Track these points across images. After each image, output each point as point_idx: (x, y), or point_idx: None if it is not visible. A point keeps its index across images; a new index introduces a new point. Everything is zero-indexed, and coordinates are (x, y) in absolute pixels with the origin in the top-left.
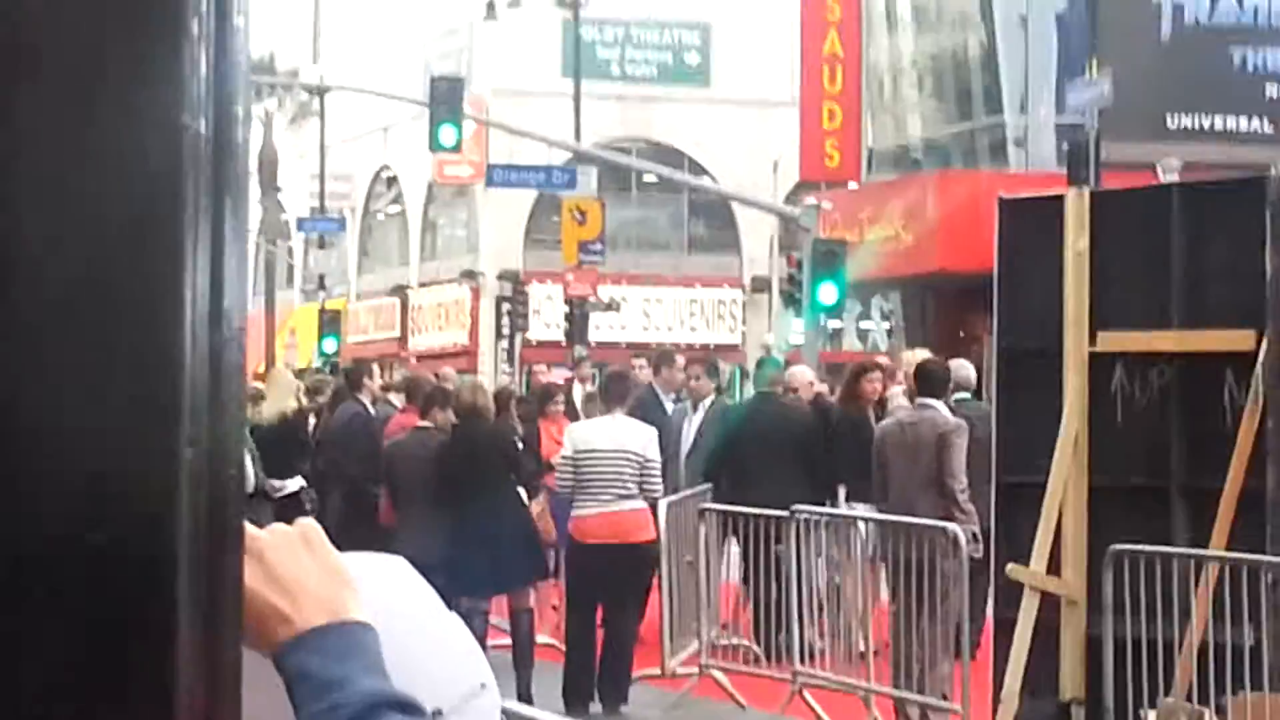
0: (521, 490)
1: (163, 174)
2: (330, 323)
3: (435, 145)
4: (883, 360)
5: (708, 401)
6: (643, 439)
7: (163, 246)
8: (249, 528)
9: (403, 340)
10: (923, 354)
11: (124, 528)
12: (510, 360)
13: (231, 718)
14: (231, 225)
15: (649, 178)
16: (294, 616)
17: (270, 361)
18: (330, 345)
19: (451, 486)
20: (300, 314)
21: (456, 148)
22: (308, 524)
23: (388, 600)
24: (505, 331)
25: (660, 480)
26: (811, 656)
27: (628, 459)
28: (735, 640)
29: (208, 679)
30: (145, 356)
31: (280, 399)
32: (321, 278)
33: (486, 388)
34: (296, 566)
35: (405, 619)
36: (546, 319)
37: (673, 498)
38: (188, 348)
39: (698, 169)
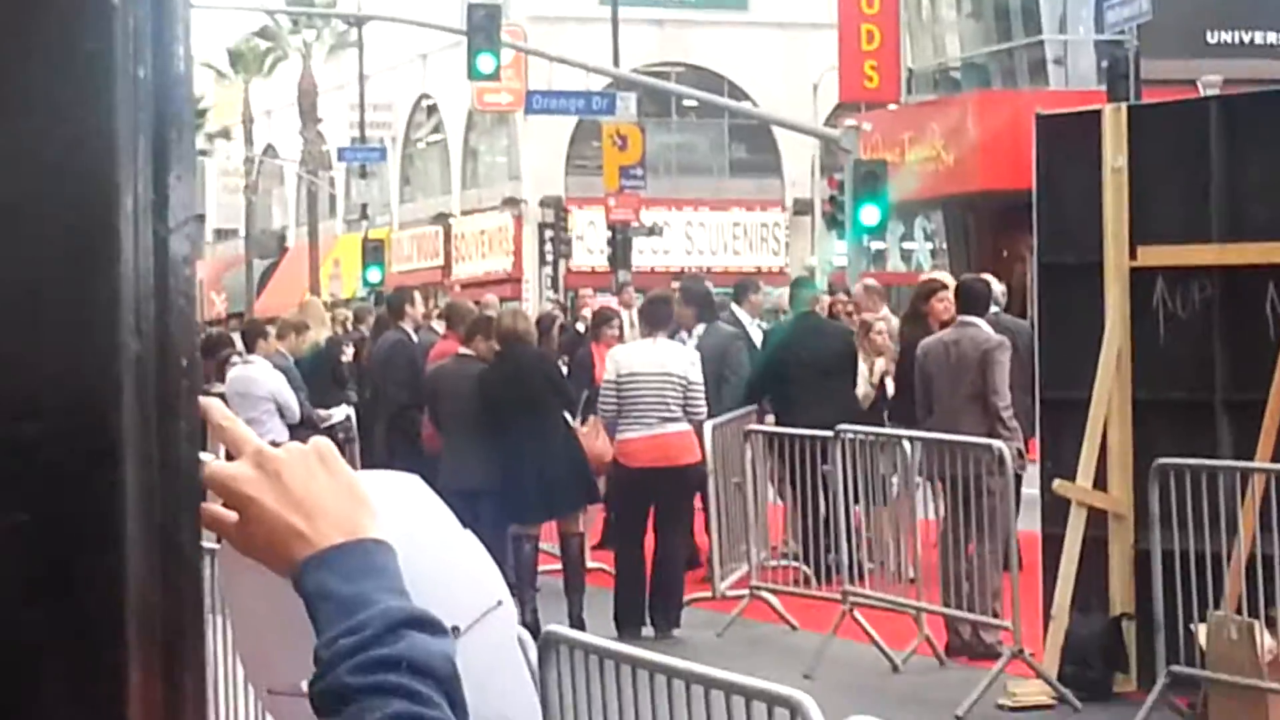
0: (567, 415)
1: (96, 54)
2: (374, 252)
3: (474, 73)
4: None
5: (699, 330)
6: (685, 361)
7: (98, 134)
8: (263, 446)
9: (446, 268)
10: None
11: (62, 419)
12: (554, 287)
13: (192, 617)
14: (174, 111)
15: (689, 102)
16: (312, 535)
17: (315, 292)
18: (374, 275)
19: (496, 412)
20: (344, 244)
21: (495, 75)
22: (322, 442)
23: (404, 518)
24: (549, 258)
25: (704, 403)
26: (861, 577)
27: (670, 381)
28: (784, 561)
29: (162, 576)
30: (82, 247)
31: (312, 329)
32: (364, 207)
33: (528, 314)
34: (313, 485)
35: (422, 537)
36: (589, 245)
37: (717, 420)
38: (128, 238)
39: (737, 93)
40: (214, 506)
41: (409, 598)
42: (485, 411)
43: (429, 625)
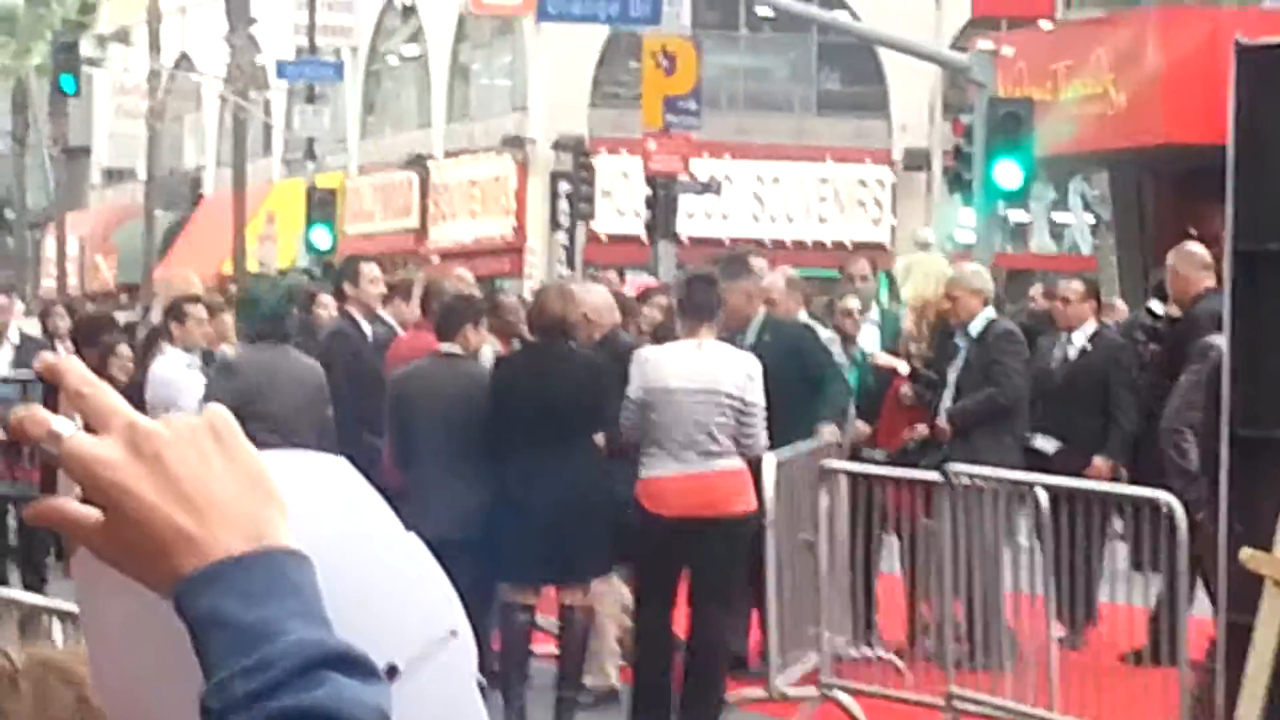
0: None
1: None
2: (321, 206)
3: None
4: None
5: (756, 323)
6: (740, 373)
7: None
8: (139, 419)
9: (421, 231)
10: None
11: None
12: (569, 261)
13: None
14: None
15: (762, 10)
16: (202, 540)
17: (240, 259)
18: (322, 237)
19: (507, 434)
20: (281, 193)
21: None
22: (217, 413)
23: (325, 518)
24: (563, 221)
25: (763, 431)
26: (972, 669)
27: (719, 401)
28: (870, 651)
29: None
30: None
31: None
32: (310, 144)
33: (578, 294)
34: (206, 472)
35: (349, 543)
36: (620, 204)
37: (784, 453)
38: None
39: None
40: (67, 501)
41: (331, 627)
42: (493, 423)
43: (356, 665)
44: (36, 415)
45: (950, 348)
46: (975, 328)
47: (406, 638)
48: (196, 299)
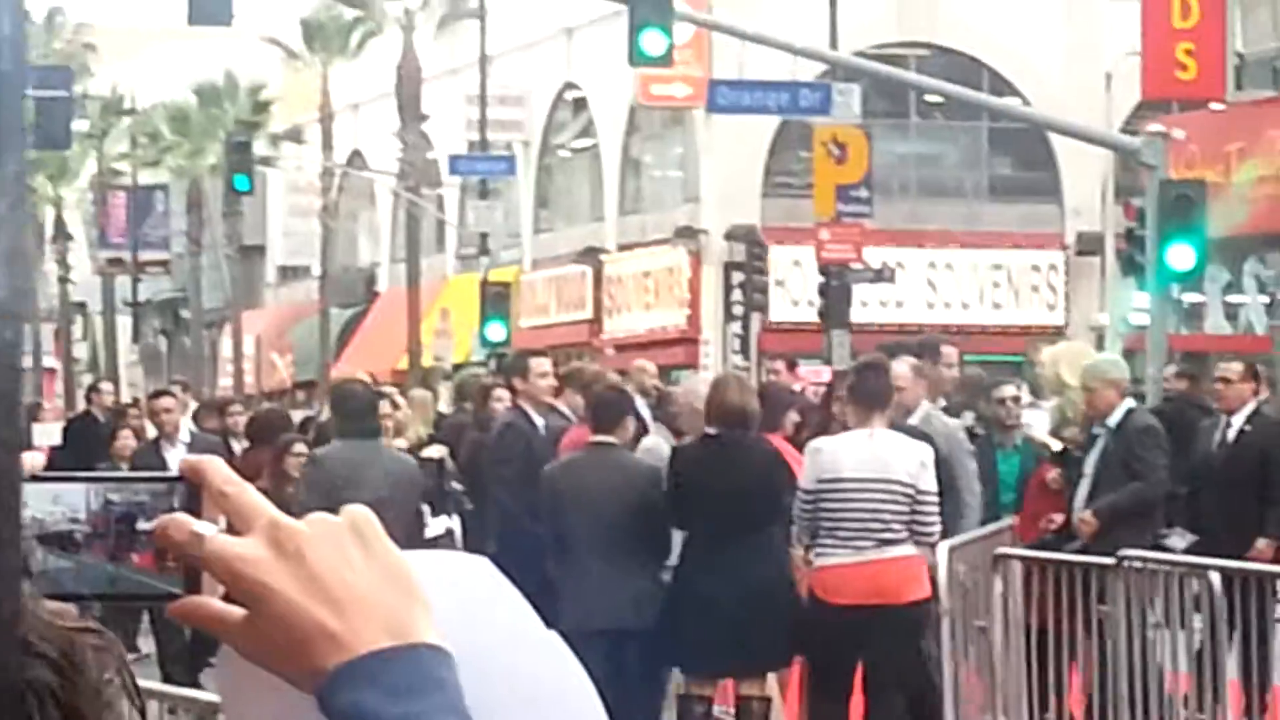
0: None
1: None
2: (496, 300)
3: (638, 56)
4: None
5: (921, 412)
6: (913, 461)
7: None
8: (281, 518)
9: (596, 323)
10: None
11: None
12: (744, 350)
13: None
14: None
15: (933, 98)
16: (345, 636)
17: (415, 354)
18: (496, 331)
19: (686, 524)
20: (455, 288)
21: (667, 59)
22: (358, 512)
23: (469, 616)
24: (737, 311)
25: (938, 518)
26: None
27: (891, 490)
28: None
29: None
30: None
31: (411, 422)
32: (484, 239)
33: (751, 384)
34: (347, 569)
35: (492, 641)
36: (793, 294)
37: (956, 540)
38: None
39: (1001, 85)
40: (211, 600)
41: None
42: (671, 513)
43: None
44: (178, 520)
45: (1088, 439)
46: (1114, 419)
47: None
48: (382, 395)
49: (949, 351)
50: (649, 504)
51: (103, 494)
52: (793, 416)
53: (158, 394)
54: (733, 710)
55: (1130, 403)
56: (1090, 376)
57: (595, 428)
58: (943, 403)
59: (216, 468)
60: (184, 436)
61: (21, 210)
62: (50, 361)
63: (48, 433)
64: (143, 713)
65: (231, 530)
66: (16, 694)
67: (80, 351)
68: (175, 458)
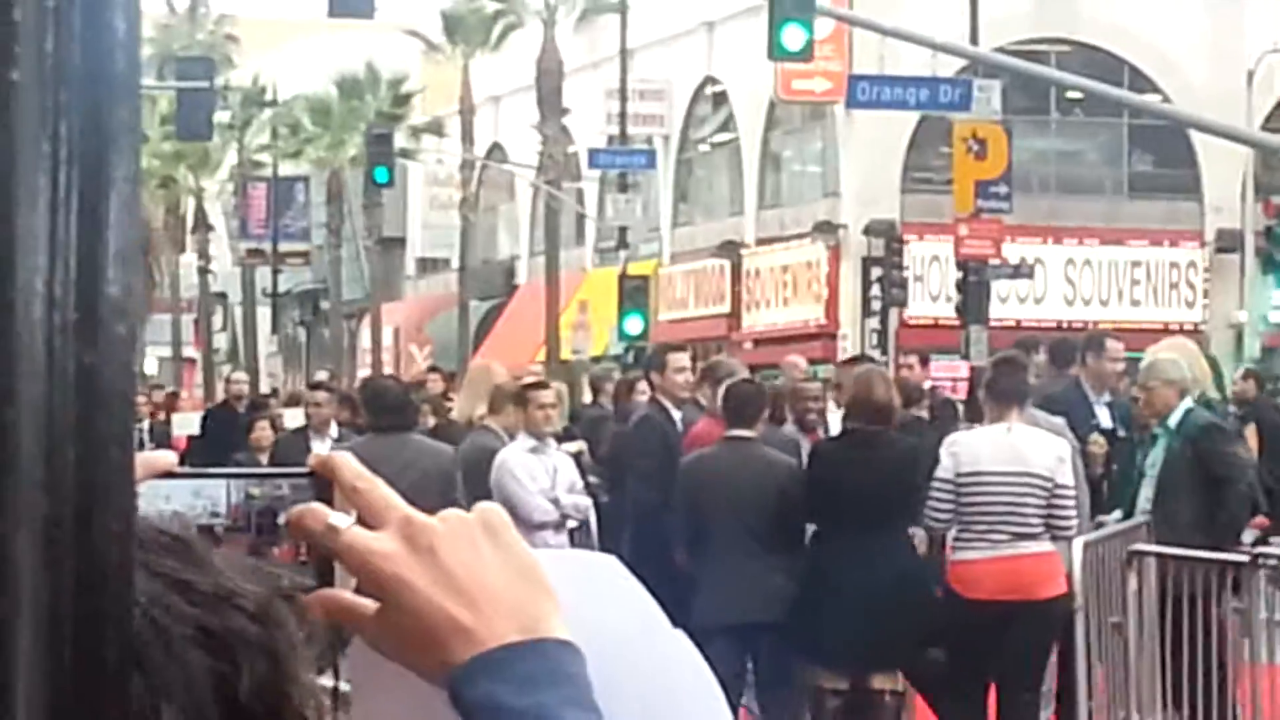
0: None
1: None
2: (635, 294)
3: (778, 51)
4: None
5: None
6: (1050, 455)
7: None
8: (413, 514)
9: (734, 317)
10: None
11: None
12: (882, 345)
13: None
14: (114, 138)
15: (1074, 94)
16: (477, 630)
17: (553, 347)
18: (635, 324)
19: (824, 518)
20: (594, 282)
21: (807, 54)
22: (490, 509)
23: (597, 613)
24: (875, 306)
25: (1075, 512)
26: None
27: (1031, 484)
28: None
29: None
30: None
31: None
32: (623, 232)
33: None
34: (479, 565)
35: (619, 637)
36: (932, 289)
37: (1091, 536)
38: (34, 364)
39: (1142, 82)
40: (345, 593)
41: (601, 716)
42: (809, 507)
43: None
44: (315, 510)
45: (1149, 438)
46: (1174, 419)
47: None
48: (543, 385)
49: (1114, 346)
50: (786, 499)
51: (244, 488)
52: (920, 413)
53: (315, 385)
54: (865, 704)
55: (1188, 403)
56: (1149, 376)
57: (732, 422)
58: (1108, 397)
59: (348, 463)
60: (333, 433)
61: (134, 211)
62: (190, 352)
63: (186, 422)
64: (336, 671)
65: (363, 525)
66: (222, 642)
67: (220, 342)
68: (323, 452)
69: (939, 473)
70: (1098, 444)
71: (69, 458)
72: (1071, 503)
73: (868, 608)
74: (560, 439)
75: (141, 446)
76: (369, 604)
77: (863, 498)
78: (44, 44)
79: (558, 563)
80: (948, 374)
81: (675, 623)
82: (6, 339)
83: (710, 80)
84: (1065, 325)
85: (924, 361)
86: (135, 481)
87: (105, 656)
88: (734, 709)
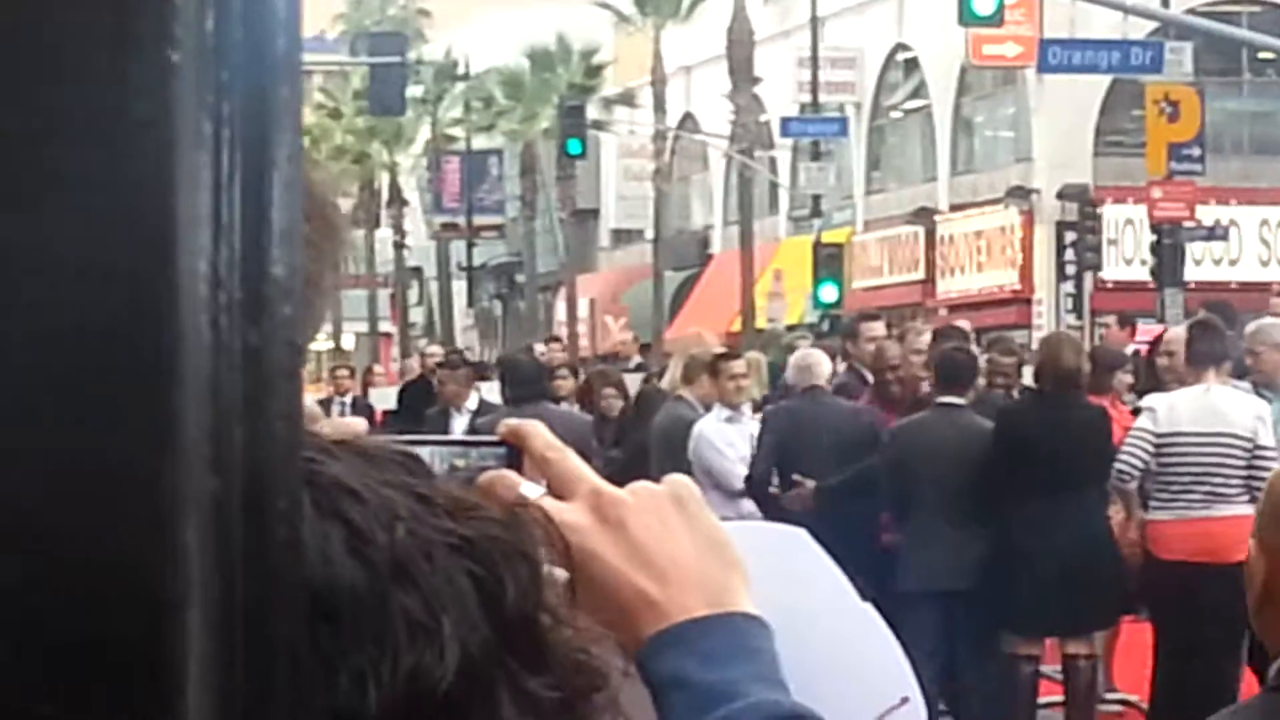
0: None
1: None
2: (829, 261)
3: (968, 16)
4: None
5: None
6: (1249, 415)
7: (152, 172)
8: (603, 485)
9: (929, 284)
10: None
11: (103, 589)
12: (1077, 309)
13: None
14: (276, 123)
15: (1267, 54)
16: (665, 603)
17: (748, 316)
18: (829, 292)
19: (1014, 484)
20: (788, 250)
21: (997, 18)
22: (680, 482)
23: (785, 586)
24: (1069, 270)
25: None
26: None
27: (1230, 445)
28: None
29: None
30: (121, 359)
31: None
32: (816, 200)
33: (1080, 344)
34: (668, 538)
35: (808, 611)
36: (1126, 252)
37: None
38: (200, 347)
39: None
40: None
41: (788, 691)
42: (997, 472)
43: None
44: (506, 477)
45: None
46: None
47: (861, 704)
48: (734, 355)
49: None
50: (991, 466)
51: (448, 458)
52: (1124, 378)
53: (443, 363)
54: (1061, 669)
55: None
56: (1255, 340)
57: (942, 389)
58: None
59: (539, 432)
60: (471, 404)
61: (296, 190)
62: (386, 326)
63: (383, 396)
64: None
65: (553, 495)
66: (482, 551)
67: (416, 316)
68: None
69: (1138, 424)
70: None
71: (236, 438)
72: (1273, 463)
73: (1059, 572)
74: (758, 408)
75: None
76: (559, 573)
77: (1051, 461)
78: (204, 24)
79: (747, 535)
80: (1151, 338)
81: (865, 596)
82: (172, 320)
83: (901, 47)
84: (1261, 286)
85: (1128, 325)
86: (301, 461)
87: (275, 636)
88: (937, 677)
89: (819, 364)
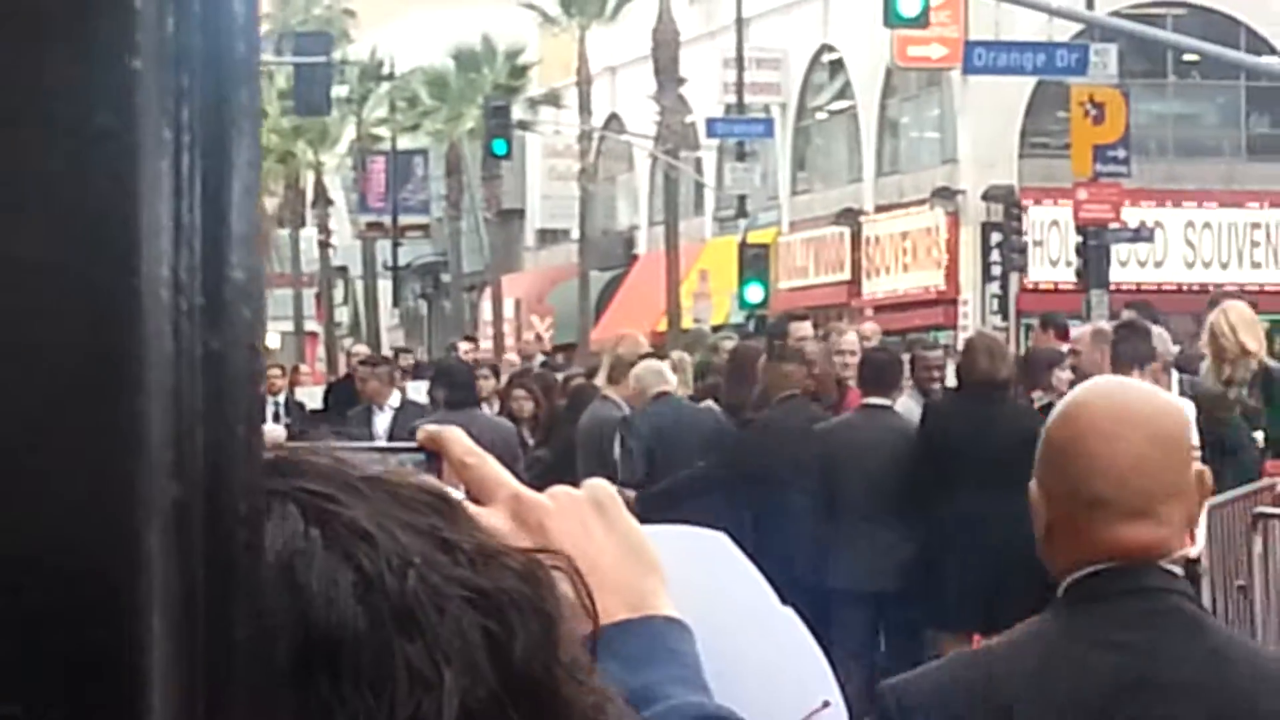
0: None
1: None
2: (755, 262)
3: (894, 18)
4: None
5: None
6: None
7: (115, 168)
8: (523, 491)
9: (854, 284)
10: None
11: (68, 589)
12: (1002, 311)
13: None
14: (234, 126)
15: (1190, 57)
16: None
17: (674, 316)
18: (755, 293)
19: (939, 481)
20: (714, 251)
21: (923, 20)
22: (599, 486)
23: (705, 590)
24: (995, 272)
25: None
26: None
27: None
28: None
29: None
30: (83, 365)
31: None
32: (742, 201)
33: (1006, 347)
34: (588, 542)
35: (728, 614)
36: (1051, 253)
37: (1215, 500)
38: (161, 352)
39: (1259, 44)
40: None
41: (710, 693)
42: (922, 470)
43: None
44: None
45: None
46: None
47: (782, 705)
48: (660, 356)
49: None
50: (918, 463)
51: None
52: (1063, 375)
53: (364, 361)
54: None
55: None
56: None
57: (866, 390)
58: None
59: (458, 438)
60: (393, 401)
61: (254, 195)
62: (312, 326)
63: (310, 396)
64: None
65: (472, 500)
66: (494, 603)
67: (342, 316)
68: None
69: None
70: None
71: (197, 442)
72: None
73: (986, 570)
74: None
75: (276, 420)
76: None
77: (977, 457)
78: (164, 30)
79: (667, 539)
80: None
81: (785, 600)
82: (133, 326)
83: (826, 48)
84: (1186, 288)
85: (1057, 330)
86: (262, 464)
87: (236, 639)
88: (867, 676)
89: (666, 370)
